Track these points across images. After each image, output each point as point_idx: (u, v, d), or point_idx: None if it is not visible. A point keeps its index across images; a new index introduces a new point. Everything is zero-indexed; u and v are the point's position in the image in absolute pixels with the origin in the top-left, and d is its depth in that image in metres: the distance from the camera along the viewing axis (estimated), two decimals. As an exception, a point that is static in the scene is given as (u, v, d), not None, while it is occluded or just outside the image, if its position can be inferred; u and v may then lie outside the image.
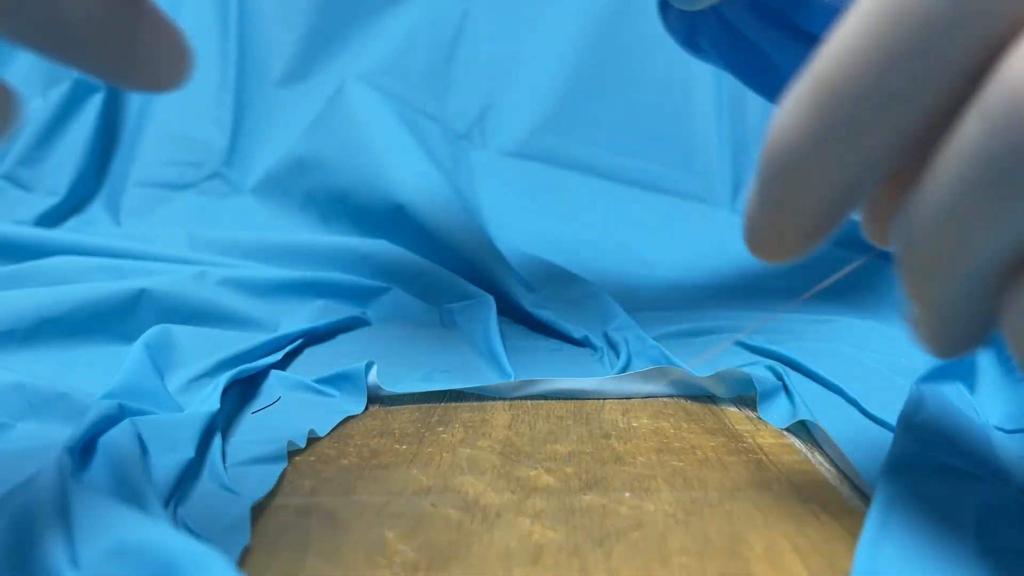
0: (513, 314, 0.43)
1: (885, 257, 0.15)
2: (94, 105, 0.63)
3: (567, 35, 0.68)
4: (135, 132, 0.64)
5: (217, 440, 0.23)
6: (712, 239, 0.60)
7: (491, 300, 0.41)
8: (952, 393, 0.24)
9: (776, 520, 0.19)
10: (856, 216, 0.14)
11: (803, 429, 0.25)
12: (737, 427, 0.26)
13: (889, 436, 0.22)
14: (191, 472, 0.21)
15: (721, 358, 0.33)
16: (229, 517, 0.19)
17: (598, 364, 0.34)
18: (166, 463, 0.21)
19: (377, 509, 0.19)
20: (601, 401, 0.29)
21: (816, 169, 0.12)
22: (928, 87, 0.11)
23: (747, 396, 0.29)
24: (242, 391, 0.28)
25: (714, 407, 0.28)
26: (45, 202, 0.60)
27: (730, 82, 0.68)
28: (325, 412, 0.27)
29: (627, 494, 0.20)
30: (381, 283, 0.46)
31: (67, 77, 0.62)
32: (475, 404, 0.28)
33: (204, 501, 0.20)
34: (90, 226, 0.59)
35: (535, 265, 0.50)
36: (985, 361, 0.27)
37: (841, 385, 0.28)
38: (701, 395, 0.29)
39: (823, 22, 0.27)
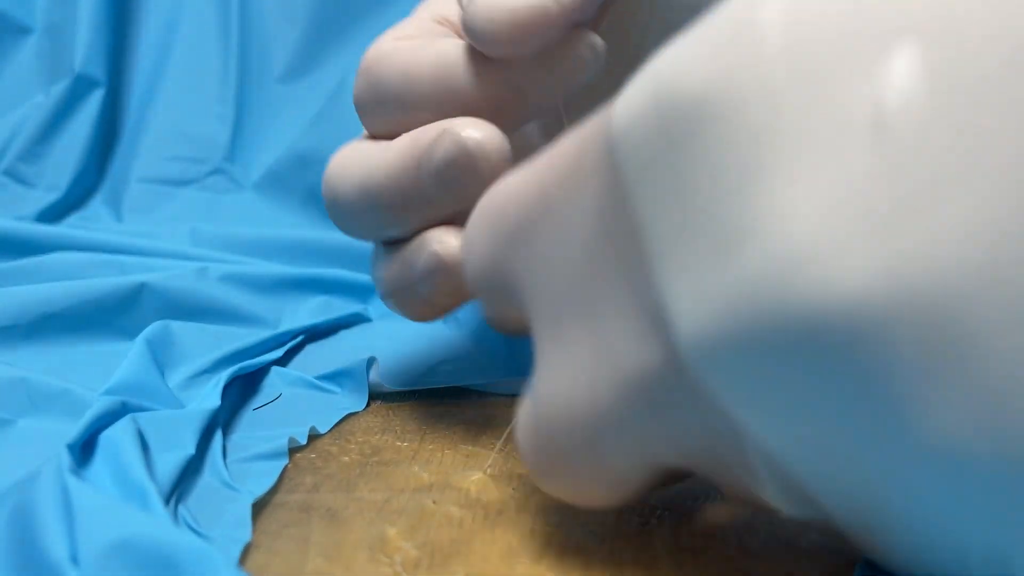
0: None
1: None
2: (95, 101, 0.63)
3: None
4: (136, 128, 0.64)
5: (218, 437, 0.23)
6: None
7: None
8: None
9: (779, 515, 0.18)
10: None
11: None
12: (740, 424, 0.25)
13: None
14: (192, 469, 0.21)
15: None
16: (230, 514, 0.19)
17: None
18: (167, 460, 0.20)
19: (378, 506, 0.19)
20: (603, 398, 0.29)
21: None
22: None
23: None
24: (243, 388, 0.28)
25: (717, 404, 0.28)
26: (46, 198, 0.59)
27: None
28: (326, 409, 0.26)
29: (630, 491, 0.20)
30: (383, 279, 0.46)
31: (68, 73, 0.62)
32: (477, 400, 0.28)
33: (205, 498, 0.20)
34: (91, 222, 0.59)
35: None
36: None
37: None
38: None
39: None
